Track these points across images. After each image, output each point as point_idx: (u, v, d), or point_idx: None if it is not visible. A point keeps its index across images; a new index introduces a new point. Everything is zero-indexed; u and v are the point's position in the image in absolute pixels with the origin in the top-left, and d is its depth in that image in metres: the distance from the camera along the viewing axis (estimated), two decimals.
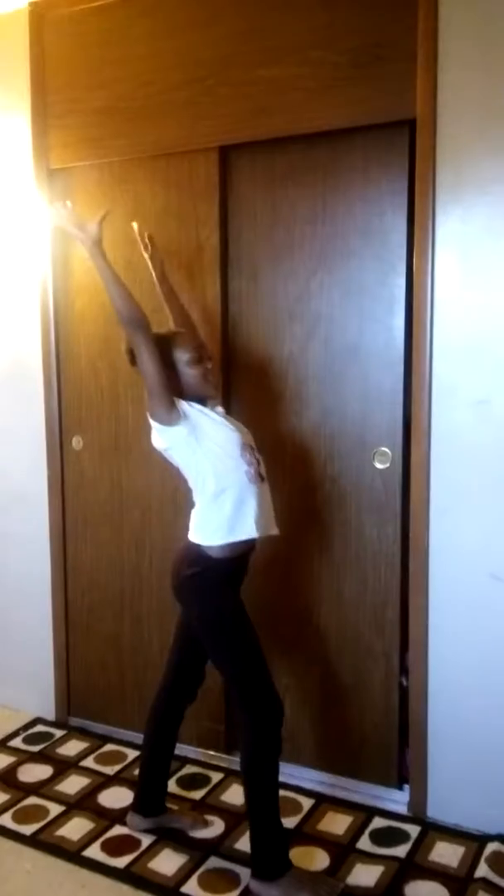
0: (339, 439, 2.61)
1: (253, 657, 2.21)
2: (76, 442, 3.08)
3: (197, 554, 2.22)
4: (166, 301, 2.56)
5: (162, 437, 2.20)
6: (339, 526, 2.64)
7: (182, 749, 2.88)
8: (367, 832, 2.45)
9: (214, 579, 2.22)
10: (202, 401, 2.25)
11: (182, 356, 2.22)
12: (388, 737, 2.63)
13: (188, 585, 2.24)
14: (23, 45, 2.96)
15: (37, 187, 3.01)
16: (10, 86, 3.02)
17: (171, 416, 2.15)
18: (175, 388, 2.18)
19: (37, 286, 3.06)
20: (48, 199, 2.98)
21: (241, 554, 2.25)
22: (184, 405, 2.17)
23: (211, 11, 2.60)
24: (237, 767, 2.76)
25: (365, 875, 2.25)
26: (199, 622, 2.26)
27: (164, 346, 2.18)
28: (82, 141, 2.91)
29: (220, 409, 2.33)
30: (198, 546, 2.22)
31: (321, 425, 2.64)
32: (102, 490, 3.05)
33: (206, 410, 2.22)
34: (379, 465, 2.54)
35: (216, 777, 2.77)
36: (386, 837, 2.42)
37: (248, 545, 2.25)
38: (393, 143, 2.43)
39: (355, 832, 2.45)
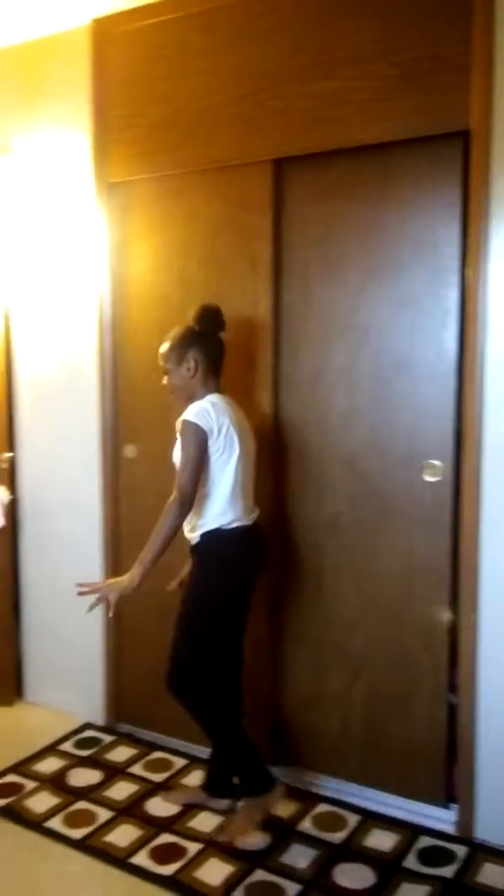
0: (389, 452, 2.59)
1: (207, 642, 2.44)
2: (129, 450, 3.13)
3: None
4: None
5: None
6: (388, 539, 2.61)
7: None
8: (413, 851, 2.41)
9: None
10: None
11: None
12: (435, 754, 2.59)
13: None
14: (84, 61, 3.04)
15: (96, 200, 3.08)
16: (72, 101, 3.10)
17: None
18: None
19: (94, 297, 3.13)
20: (106, 212, 3.05)
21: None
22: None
23: (266, 26, 2.63)
24: (284, 780, 2.78)
25: (411, 895, 2.21)
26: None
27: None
28: (140, 155, 2.97)
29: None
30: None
31: (370, 437, 2.62)
32: (153, 497, 3.07)
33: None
34: (429, 479, 2.51)
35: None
36: (433, 857, 2.38)
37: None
38: (446, 155, 2.41)
39: (401, 850, 2.41)
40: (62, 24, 3.04)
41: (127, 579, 2.38)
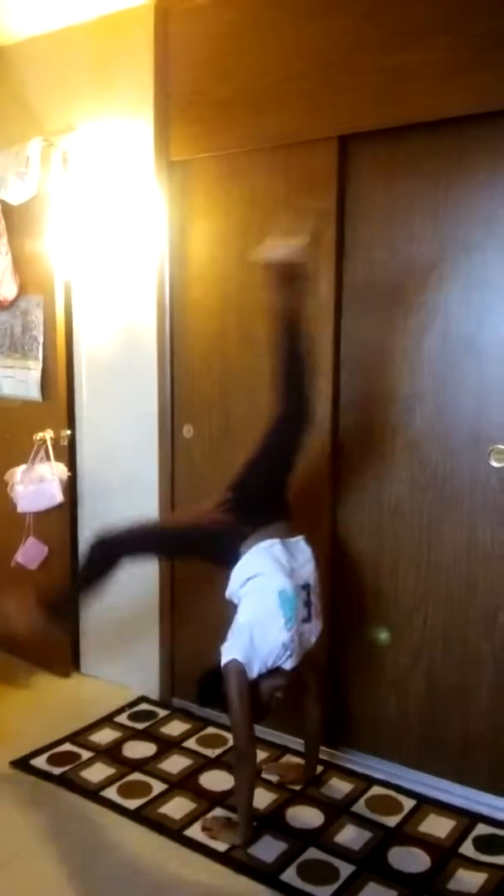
0: (454, 436, 2.54)
1: None
2: (187, 430, 3.14)
3: None
4: None
5: None
6: (450, 525, 2.57)
7: (282, 738, 2.91)
8: (470, 838, 2.40)
9: None
10: None
11: None
12: (494, 742, 2.56)
13: None
14: (147, 38, 3.01)
15: (156, 179, 3.07)
16: (135, 79, 3.08)
17: None
18: None
19: (154, 276, 3.13)
20: (167, 191, 3.03)
21: None
22: None
23: (331, 0, 2.57)
24: (338, 761, 2.78)
25: (467, 881, 2.20)
26: None
27: None
28: (202, 133, 2.94)
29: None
30: None
31: (435, 421, 2.58)
32: (210, 477, 3.09)
33: None
34: (496, 464, 2.46)
35: (317, 769, 2.77)
36: (490, 845, 2.36)
37: None
38: None
39: (458, 837, 2.40)
40: (126, 1, 3.02)
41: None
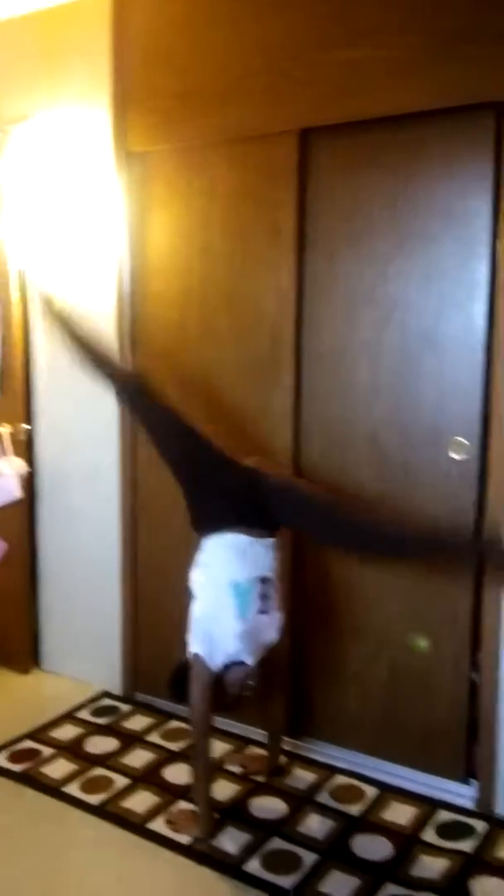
0: (413, 428, 2.57)
1: None
2: None
3: None
4: None
5: None
6: (411, 516, 2.60)
7: (245, 730, 2.92)
8: (431, 825, 2.43)
9: None
10: None
11: None
12: (455, 730, 2.59)
13: None
14: (105, 29, 2.98)
15: (115, 170, 3.03)
16: (92, 69, 3.04)
17: None
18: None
19: (113, 267, 3.09)
20: (126, 182, 3.00)
21: None
22: None
23: None
24: (301, 752, 2.79)
25: (430, 867, 2.23)
26: None
27: None
28: (161, 124, 2.92)
29: None
30: None
31: (394, 412, 2.60)
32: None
33: None
34: (454, 456, 2.49)
35: (280, 760, 2.77)
36: (451, 831, 2.39)
37: None
38: (478, 126, 2.36)
39: (420, 824, 2.43)
40: None
41: None
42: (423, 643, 2.56)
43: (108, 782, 2.64)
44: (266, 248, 2.75)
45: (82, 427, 3.29)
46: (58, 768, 2.72)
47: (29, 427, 3.39)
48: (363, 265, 2.61)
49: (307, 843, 2.33)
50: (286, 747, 2.79)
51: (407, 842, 2.34)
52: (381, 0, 2.42)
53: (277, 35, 2.62)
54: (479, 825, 2.42)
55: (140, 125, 2.97)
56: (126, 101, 2.99)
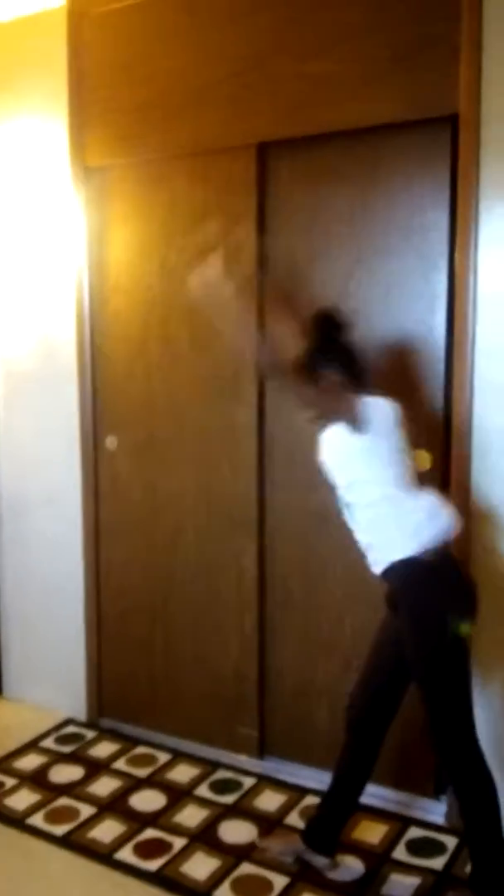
0: None
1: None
2: (110, 442, 3.07)
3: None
4: None
5: None
6: None
7: (215, 753, 2.86)
8: (402, 842, 2.39)
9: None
10: None
11: None
12: (425, 747, 2.56)
13: None
14: (60, 43, 2.96)
15: (73, 185, 3.00)
16: (47, 84, 3.02)
17: None
18: None
19: (72, 285, 3.06)
20: (84, 197, 2.98)
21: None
22: None
23: (249, 6, 2.58)
24: (269, 773, 2.74)
25: (401, 885, 2.20)
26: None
27: None
28: (119, 139, 2.90)
29: None
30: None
31: None
32: (136, 491, 3.03)
33: None
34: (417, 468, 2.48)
35: (248, 782, 2.73)
36: (423, 848, 2.36)
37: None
38: (435, 139, 2.38)
39: (391, 842, 2.39)
40: (38, 4, 2.96)
41: None
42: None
43: (73, 812, 2.57)
44: (227, 262, 2.72)
45: (43, 448, 3.24)
46: (21, 799, 2.65)
47: None
48: (324, 278, 2.60)
49: (277, 867, 2.28)
50: (255, 769, 2.74)
51: (378, 860, 2.30)
52: (338, 14, 2.43)
53: (234, 47, 2.62)
54: (450, 841, 2.39)
55: (98, 139, 2.95)
56: (83, 114, 2.97)
